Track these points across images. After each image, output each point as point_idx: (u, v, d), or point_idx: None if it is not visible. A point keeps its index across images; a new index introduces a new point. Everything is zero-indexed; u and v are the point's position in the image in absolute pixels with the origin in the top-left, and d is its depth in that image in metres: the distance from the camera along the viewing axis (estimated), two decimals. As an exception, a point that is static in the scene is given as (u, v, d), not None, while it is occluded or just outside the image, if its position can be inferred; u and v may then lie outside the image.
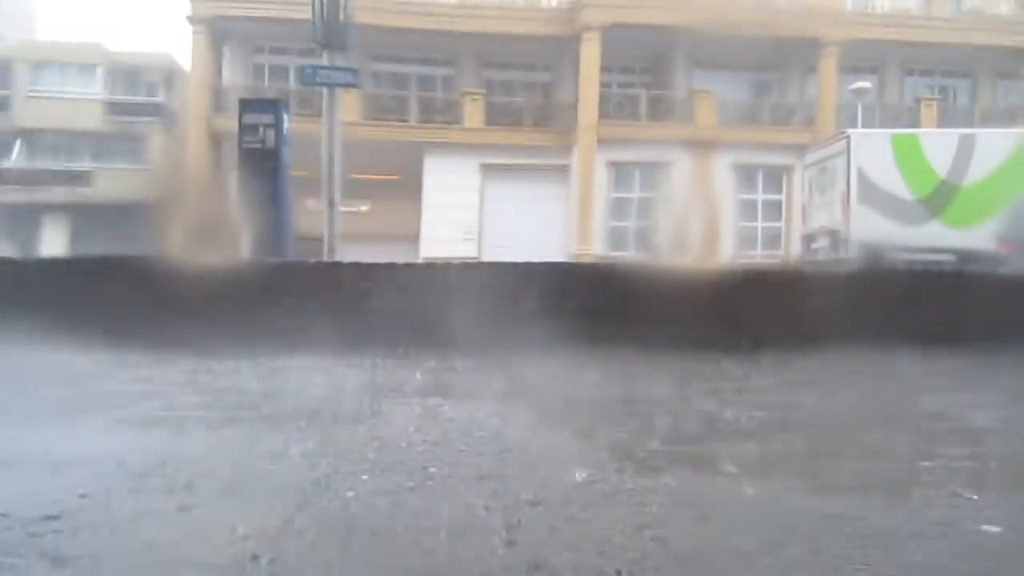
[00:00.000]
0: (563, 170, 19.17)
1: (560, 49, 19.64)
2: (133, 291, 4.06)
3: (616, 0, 18.36)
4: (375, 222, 17.76)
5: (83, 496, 1.72)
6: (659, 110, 19.65)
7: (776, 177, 19.20)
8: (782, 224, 19.07)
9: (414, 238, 18.39)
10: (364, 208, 17.74)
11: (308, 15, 8.87)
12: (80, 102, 23.69)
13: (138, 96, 24.54)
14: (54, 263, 5.34)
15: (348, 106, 14.25)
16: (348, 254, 8.14)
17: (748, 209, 19.05)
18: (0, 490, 1.80)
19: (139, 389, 3.06)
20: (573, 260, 14.66)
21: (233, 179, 7.75)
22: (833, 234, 12.07)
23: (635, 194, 18.70)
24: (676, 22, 17.67)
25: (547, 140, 19.14)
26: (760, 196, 19.23)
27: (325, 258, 7.77)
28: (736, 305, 4.17)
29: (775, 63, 20.04)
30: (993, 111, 20.11)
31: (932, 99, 19.88)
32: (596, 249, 17.54)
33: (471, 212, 18.84)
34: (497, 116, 19.39)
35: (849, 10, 19.85)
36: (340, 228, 8.33)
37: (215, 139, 17.69)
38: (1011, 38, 19.37)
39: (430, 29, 18.79)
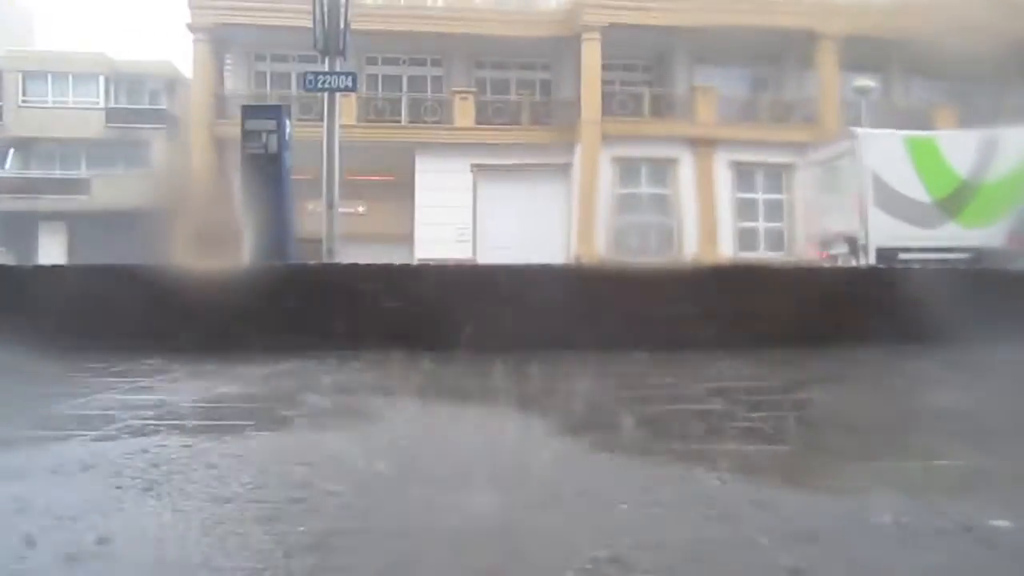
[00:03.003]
0: (562, 169, 18.89)
1: (559, 48, 19.56)
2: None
3: (615, 1, 18.38)
4: (371, 223, 17.81)
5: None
6: (662, 107, 19.61)
7: (776, 175, 18.93)
8: (784, 224, 18.84)
9: (409, 239, 18.37)
10: (361, 209, 17.81)
11: (308, 23, 8.97)
12: (80, 110, 23.90)
13: (141, 104, 24.77)
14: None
15: (344, 109, 14.29)
16: (346, 254, 8.24)
17: (748, 208, 18.97)
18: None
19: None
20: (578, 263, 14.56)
21: (237, 184, 7.83)
22: (851, 239, 11.82)
23: (642, 189, 18.61)
24: (674, 21, 17.72)
25: (546, 138, 18.93)
26: (761, 195, 19.09)
27: (324, 259, 7.85)
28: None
29: (772, 55, 19.54)
30: (1009, 111, 19.48)
31: (943, 104, 18.83)
32: (599, 251, 17.16)
33: (464, 213, 18.72)
34: (491, 115, 19.31)
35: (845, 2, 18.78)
36: (339, 229, 8.44)
37: (218, 145, 17.74)
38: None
39: (422, 31, 18.83)
